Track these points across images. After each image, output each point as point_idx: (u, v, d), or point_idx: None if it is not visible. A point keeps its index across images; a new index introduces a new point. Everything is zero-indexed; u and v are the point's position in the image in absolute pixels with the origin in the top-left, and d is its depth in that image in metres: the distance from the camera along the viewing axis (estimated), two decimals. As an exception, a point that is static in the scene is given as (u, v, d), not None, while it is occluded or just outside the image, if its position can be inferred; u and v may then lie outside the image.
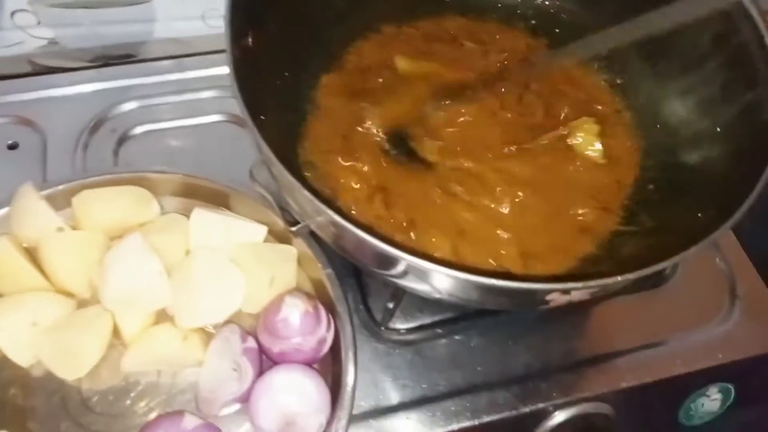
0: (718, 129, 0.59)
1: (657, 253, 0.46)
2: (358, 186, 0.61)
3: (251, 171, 0.49)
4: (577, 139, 0.63)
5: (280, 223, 0.59)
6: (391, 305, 0.61)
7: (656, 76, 0.67)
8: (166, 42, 0.89)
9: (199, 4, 0.87)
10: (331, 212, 0.45)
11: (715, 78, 0.61)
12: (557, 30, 0.73)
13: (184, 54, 0.85)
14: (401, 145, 0.63)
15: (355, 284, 0.66)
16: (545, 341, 0.65)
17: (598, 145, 0.63)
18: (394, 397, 0.61)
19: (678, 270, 0.71)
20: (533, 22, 0.74)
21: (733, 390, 0.69)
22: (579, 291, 0.45)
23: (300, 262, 0.63)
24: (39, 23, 0.83)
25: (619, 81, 0.70)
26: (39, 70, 0.87)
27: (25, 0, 0.79)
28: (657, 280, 0.70)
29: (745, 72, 0.57)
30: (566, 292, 0.46)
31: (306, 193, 0.45)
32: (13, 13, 0.81)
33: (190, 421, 0.53)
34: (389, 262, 0.47)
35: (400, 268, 0.47)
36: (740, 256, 0.73)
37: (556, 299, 0.48)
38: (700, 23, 0.55)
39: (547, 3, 0.75)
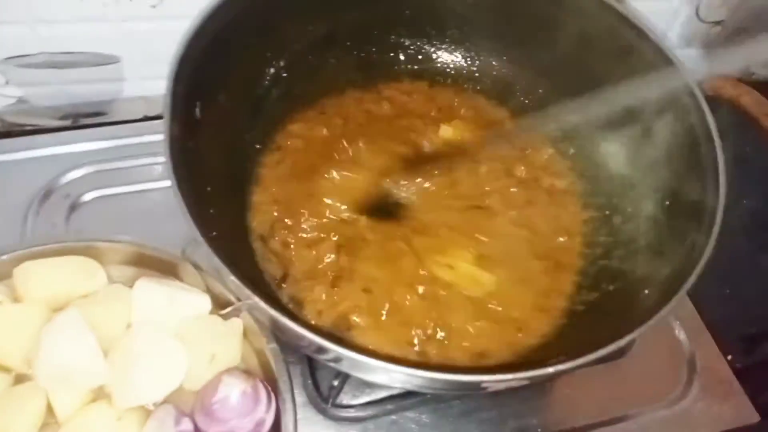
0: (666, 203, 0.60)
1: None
2: (314, 252, 0.60)
3: (184, 250, 0.49)
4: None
5: (227, 294, 0.58)
6: (336, 383, 0.60)
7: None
8: (136, 100, 0.89)
9: (167, 64, 0.87)
10: (257, 298, 0.44)
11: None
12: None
13: (152, 116, 0.85)
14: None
15: (303, 357, 0.65)
16: (498, 418, 0.64)
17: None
18: (340, 478, 0.59)
19: (635, 343, 0.69)
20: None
21: (693, 468, 0.67)
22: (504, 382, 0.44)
23: (246, 334, 0.62)
24: (7, 82, 0.84)
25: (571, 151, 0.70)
26: (7, 128, 0.87)
27: (-6, 60, 0.80)
28: (615, 354, 0.69)
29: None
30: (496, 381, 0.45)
31: (234, 279, 0.44)
32: (-20, 73, 0.81)
33: (119, 508, 0.51)
34: (319, 349, 0.46)
35: (330, 355, 0.46)
36: (698, 327, 0.72)
37: (492, 386, 0.47)
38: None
39: (503, 71, 0.76)
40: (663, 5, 0.97)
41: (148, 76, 0.87)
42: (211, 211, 0.52)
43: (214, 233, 0.46)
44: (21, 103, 0.86)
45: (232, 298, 0.49)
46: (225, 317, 0.48)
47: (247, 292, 0.44)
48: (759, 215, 0.97)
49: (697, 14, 1.00)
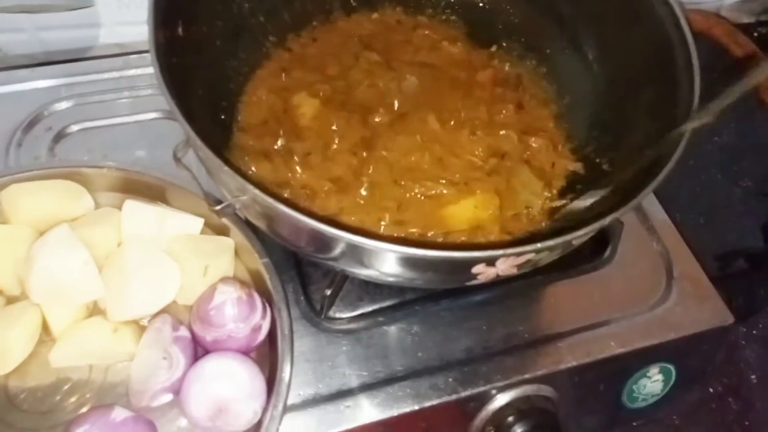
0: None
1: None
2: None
3: (174, 152, 0.49)
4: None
5: (217, 217, 0.58)
6: (328, 292, 0.61)
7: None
8: (111, 47, 0.88)
9: (143, 9, 0.86)
10: (251, 187, 0.44)
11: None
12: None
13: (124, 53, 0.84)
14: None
15: (295, 275, 0.66)
16: (486, 326, 0.65)
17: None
18: (334, 386, 0.60)
19: (616, 253, 0.72)
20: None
21: (673, 370, 0.70)
22: (503, 260, 0.46)
23: (238, 253, 0.63)
24: (-21, 29, 0.82)
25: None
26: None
27: (-34, 6, 0.78)
28: (596, 263, 0.71)
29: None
30: (491, 263, 0.46)
31: (227, 169, 0.45)
32: (-47, 20, 0.79)
33: (120, 413, 0.52)
34: (318, 239, 0.47)
35: (336, 250, 0.47)
36: (676, 240, 0.74)
37: (484, 272, 0.48)
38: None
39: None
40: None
41: (124, 22, 0.86)
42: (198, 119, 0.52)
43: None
44: (-6, 51, 0.85)
45: (227, 195, 0.49)
46: (219, 214, 0.48)
47: (242, 181, 0.44)
48: (730, 150, 1.00)
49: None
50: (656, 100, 0.61)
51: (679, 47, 0.59)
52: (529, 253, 0.46)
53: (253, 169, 0.60)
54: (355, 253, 0.47)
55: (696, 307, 0.69)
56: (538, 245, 0.45)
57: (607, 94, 0.67)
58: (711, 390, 0.89)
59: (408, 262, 0.47)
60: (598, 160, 0.65)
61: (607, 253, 0.72)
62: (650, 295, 0.70)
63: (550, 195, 0.63)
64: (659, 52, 0.61)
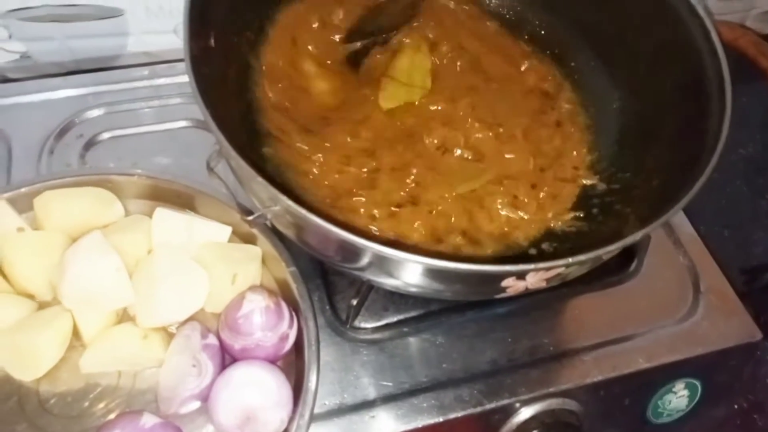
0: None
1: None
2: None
3: (208, 162, 0.50)
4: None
5: (245, 225, 0.59)
6: (354, 302, 0.61)
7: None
8: (139, 55, 0.89)
9: (172, 18, 0.88)
10: (285, 198, 0.45)
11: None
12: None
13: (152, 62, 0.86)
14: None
15: (321, 284, 0.66)
16: (511, 338, 0.65)
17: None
18: (359, 396, 0.60)
19: (642, 266, 0.71)
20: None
21: (699, 386, 0.69)
22: (533, 274, 0.46)
23: (265, 261, 0.63)
24: (10, 37, 0.83)
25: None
26: (10, 83, 0.87)
27: (-3, 13, 0.80)
28: (622, 277, 0.71)
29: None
30: (521, 276, 0.46)
31: (261, 179, 0.45)
32: (-16, 28, 0.81)
33: (149, 419, 0.52)
34: (349, 251, 0.47)
35: (365, 260, 0.47)
36: (702, 253, 0.74)
37: (514, 285, 0.48)
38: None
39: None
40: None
41: (152, 31, 0.87)
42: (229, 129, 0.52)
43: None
44: (24, 59, 0.86)
45: (258, 205, 0.50)
46: (251, 224, 0.49)
47: (274, 191, 0.45)
48: (755, 161, 0.99)
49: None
50: (686, 113, 0.60)
51: (709, 59, 0.59)
52: (559, 267, 0.46)
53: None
54: (383, 264, 0.47)
55: (723, 322, 0.69)
56: (570, 260, 0.45)
57: (634, 109, 0.67)
58: (735, 406, 0.88)
59: (437, 274, 0.48)
60: (619, 175, 0.65)
61: (633, 266, 0.71)
62: (677, 309, 0.69)
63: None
64: (688, 65, 0.61)
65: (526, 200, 0.62)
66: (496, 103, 0.67)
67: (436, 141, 0.64)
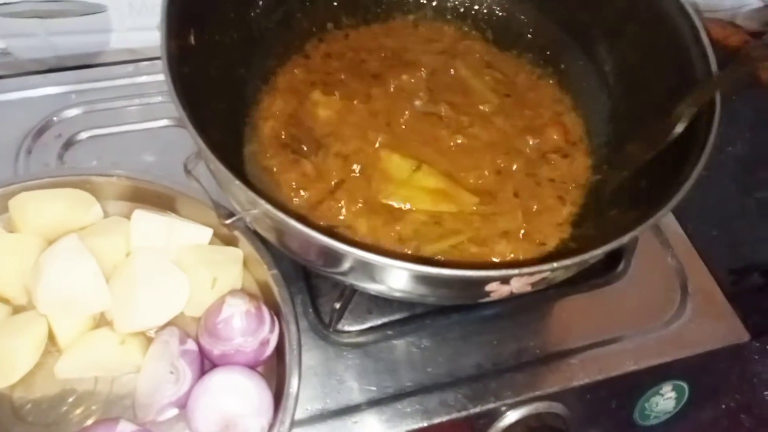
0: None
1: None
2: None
3: (185, 164, 0.48)
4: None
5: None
6: (338, 305, 0.60)
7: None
8: (122, 52, 0.88)
9: (155, 15, 0.85)
10: (264, 202, 0.44)
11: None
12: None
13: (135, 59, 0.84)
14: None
15: (304, 287, 0.65)
16: (497, 341, 0.65)
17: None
18: (342, 401, 0.60)
19: (630, 268, 0.71)
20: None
21: (687, 388, 0.69)
22: (518, 279, 0.45)
23: (246, 264, 0.62)
24: (-9, 33, 0.82)
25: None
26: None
27: (-24, 10, 0.78)
28: (609, 278, 0.70)
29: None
30: (505, 281, 0.46)
31: (239, 183, 0.44)
32: (-37, 24, 0.79)
33: (125, 427, 0.51)
34: (330, 255, 0.46)
35: (346, 265, 0.46)
36: (690, 254, 0.73)
37: (498, 290, 0.47)
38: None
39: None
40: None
41: (135, 27, 0.86)
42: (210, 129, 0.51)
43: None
44: (4, 56, 0.84)
45: (237, 208, 0.48)
46: (230, 228, 0.48)
47: (253, 196, 0.44)
48: (744, 160, 0.99)
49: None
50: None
51: (698, 59, 0.58)
52: (544, 272, 0.45)
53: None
54: (365, 269, 0.46)
55: (711, 324, 0.68)
56: (554, 264, 0.44)
57: (623, 107, 0.67)
58: (723, 406, 0.87)
59: (420, 279, 0.47)
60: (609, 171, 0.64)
61: (621, 267, 0.70)
62: (664, 311, 0.69)
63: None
64: (677, 64, 0.60)
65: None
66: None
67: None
